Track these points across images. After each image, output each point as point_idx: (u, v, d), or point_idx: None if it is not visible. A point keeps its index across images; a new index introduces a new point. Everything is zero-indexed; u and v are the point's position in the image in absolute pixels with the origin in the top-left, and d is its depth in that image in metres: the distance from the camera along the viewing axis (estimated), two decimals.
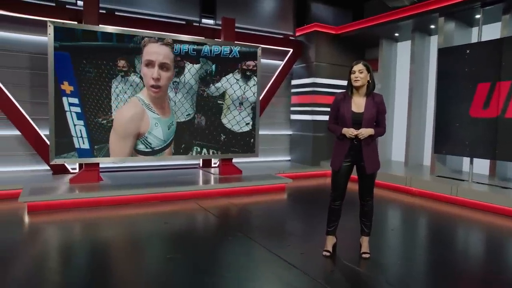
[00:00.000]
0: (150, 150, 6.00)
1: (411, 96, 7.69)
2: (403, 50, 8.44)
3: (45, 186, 5.34)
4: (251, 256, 3.49)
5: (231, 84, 6.54)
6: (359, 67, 3.21)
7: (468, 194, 5.61)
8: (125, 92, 5.72)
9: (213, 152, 6.54)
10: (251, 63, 6.62)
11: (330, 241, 3.50)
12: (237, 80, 6.57)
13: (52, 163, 5.42)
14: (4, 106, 6.07)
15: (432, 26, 7.29)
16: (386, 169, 7.36)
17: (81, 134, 5.53)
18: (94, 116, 5.58)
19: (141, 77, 5.78)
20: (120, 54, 5.64)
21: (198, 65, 6.24)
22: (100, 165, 6.15)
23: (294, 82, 9.10)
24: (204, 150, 6.46)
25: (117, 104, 5.69)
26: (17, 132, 6.25)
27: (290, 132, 9.29)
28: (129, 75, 5.71)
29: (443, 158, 6.86)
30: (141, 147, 5.93)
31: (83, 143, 5.55)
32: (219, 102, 6.50)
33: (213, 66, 6.37)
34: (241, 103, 6.63)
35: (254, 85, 6.70)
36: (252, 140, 6.77)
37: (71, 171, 6.47)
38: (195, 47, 6.19)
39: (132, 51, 5.71)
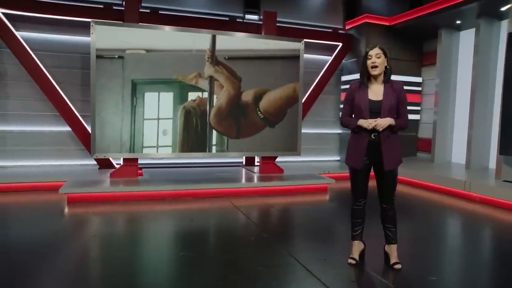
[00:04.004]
0: None
1: (474, 92, 6.86)
2: (466, 40, 7.57)
3: (87, 179, 5.56)
4: (267, 259, 3.23)
5: None
6: (375, 51, 2.85)
7: None
8: None
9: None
10: None
11: (357, 247, 3.12)
12: None
13: (93, 157, 5.63)
14: (57, 104, 6.47)
15: (503, 8, 6.35)
16: (443, 171, 6.65)
17: None
18: None
19: None
20: None
21: None
22: (146, 161, 6.37)
23: (344, 78, 8.62)
24: None
25: None
26: (69, 128, 6.63)
27: (339, 131, 8.82)
28: None
29: None
30: None
31: None
32: None
33: None
34: None
35: None
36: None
37: (116, 166, 6.70)
38: None
39: None
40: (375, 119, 2.82)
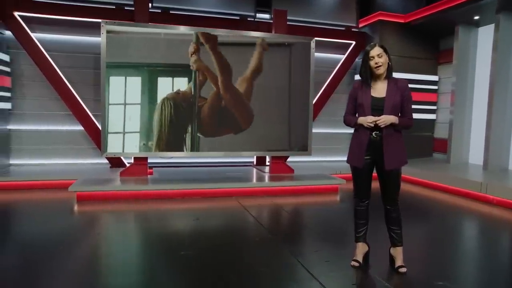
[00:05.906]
0: None
1: (493, 90, 6.61)
2: (484, 36, 7.31)
3: (96, 178, 5.63)
4: (269, 260, 3.17)
5: None
6: (377, 51, 2.77)
7: None
8: None
9: None
10: None
11: (361, 249, 3.03)
12: None
13: (103, 156, 5.70)
14: (70, 104, 6.57)
15: None
16: (459, 172, 6.44)
17: None
18: None
19: None
20: None
21: None
22: (156, 160, 6.44)
23: (357, 77, 8.44)
24: None
25: None
26: (82, 127, 6.73)
27: (352, 131, 8.65)
28: None
29: None
30: None
31: None
32: None
33: None
34: None
35: None
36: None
37: (127, 164, 6.75)
38: None
39: None
40: (377, 117, 2.74)
